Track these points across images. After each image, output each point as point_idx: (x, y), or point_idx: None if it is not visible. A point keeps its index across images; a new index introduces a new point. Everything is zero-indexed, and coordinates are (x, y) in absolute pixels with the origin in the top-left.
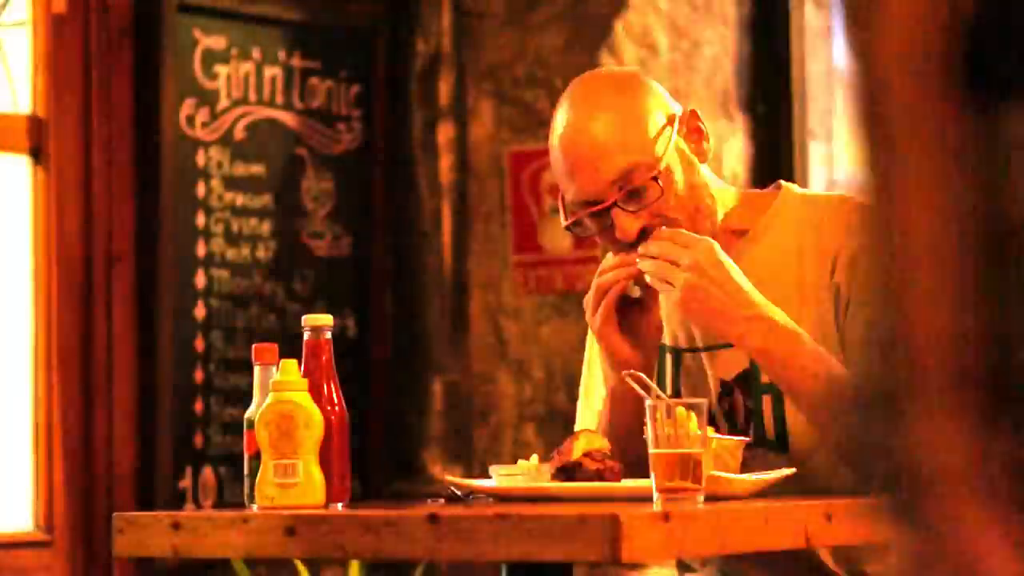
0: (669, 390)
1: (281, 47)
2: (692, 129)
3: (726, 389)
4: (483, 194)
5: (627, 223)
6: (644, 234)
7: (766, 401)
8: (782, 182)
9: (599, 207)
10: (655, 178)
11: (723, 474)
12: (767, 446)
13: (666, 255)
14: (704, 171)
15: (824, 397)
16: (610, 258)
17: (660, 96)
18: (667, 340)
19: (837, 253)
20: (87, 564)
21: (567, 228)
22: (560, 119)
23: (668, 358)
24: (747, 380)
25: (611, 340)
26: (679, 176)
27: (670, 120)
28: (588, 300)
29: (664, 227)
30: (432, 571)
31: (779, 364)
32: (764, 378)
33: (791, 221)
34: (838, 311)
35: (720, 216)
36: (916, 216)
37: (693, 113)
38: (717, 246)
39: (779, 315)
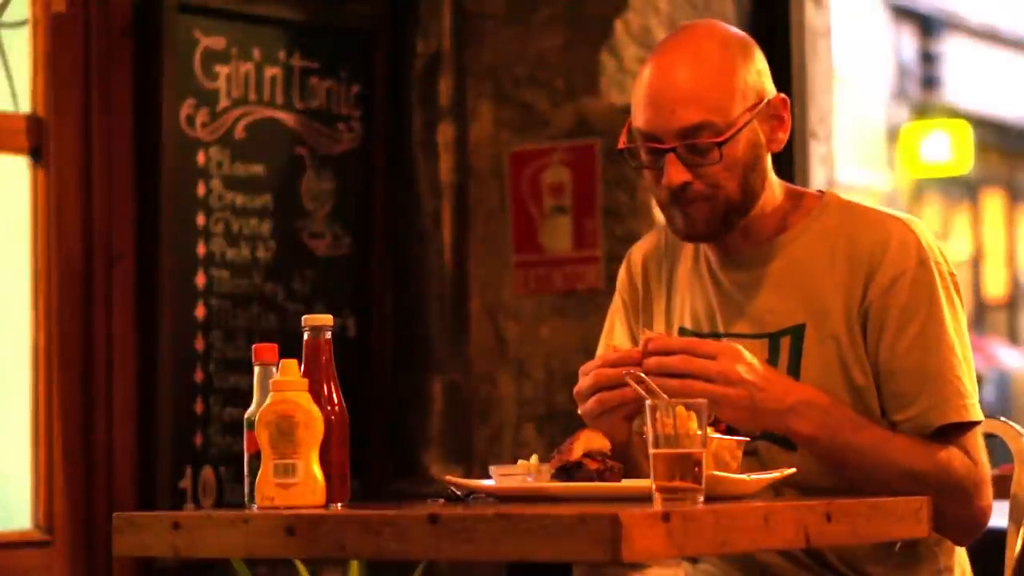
0: None
1: (281, 47)
2: (775, 115)
3: None
4: (483, 194)
5: (676, 173)
6: (685, 188)
7: None
8: (826, 189)
9: (658, 146)
10: (719, 144)
11: (723, 474)
12: (774, 440)
13: (690, 370)
14: (769, 159)
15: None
16: (610, 352)
17: (760, 71)
18: (688, 324)
19: (872, 270)
20: (87, 564)
21: (620, 151)
22: (663, 47)
23: None
24: None
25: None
26: (741, 151)
27: (759, 98)
28: (580, 391)
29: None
30: (432, 571)
31: (828, 443)
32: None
33: (830, 227)
34: (866, 331)
35: (767, 207)
36: None
37: (783, 101)
38: (740, 348)
39: (818, 395)
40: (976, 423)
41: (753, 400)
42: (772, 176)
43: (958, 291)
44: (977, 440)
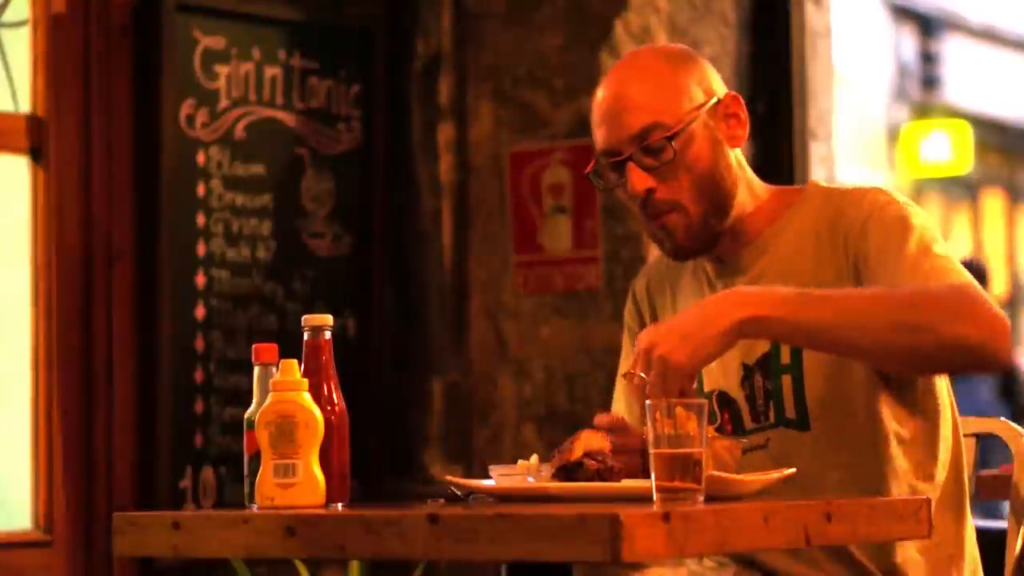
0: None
1: (281, 47)
2: (729, 113)
3: (747, 372)
4: (483, 194)
5: (638, 179)
6: (651, 195)
7: (785, 381)
8: (811, 180)
9: (617, 159)
10: (670, 139)
11: (723, 474)
12: (788, 425)
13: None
14: (734, 156)
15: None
16: (602, 418)
17: (705, 74)
18: None
19: (848, 232)
20: (87, 564)
21: (587, 176)
22: (609, 73)
23: None
24: (767, 362)
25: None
26: (698, 148)
27: (708, 96)
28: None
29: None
30: (432, 571)
31: (798, 312)
32: (784, 358)
33: (812, 214)
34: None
35: (750, 207)
36: None
37: (734, 98)
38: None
39: (757, 289)
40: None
41: (680, 339)
42: (750, 175)
43: (934, 231)
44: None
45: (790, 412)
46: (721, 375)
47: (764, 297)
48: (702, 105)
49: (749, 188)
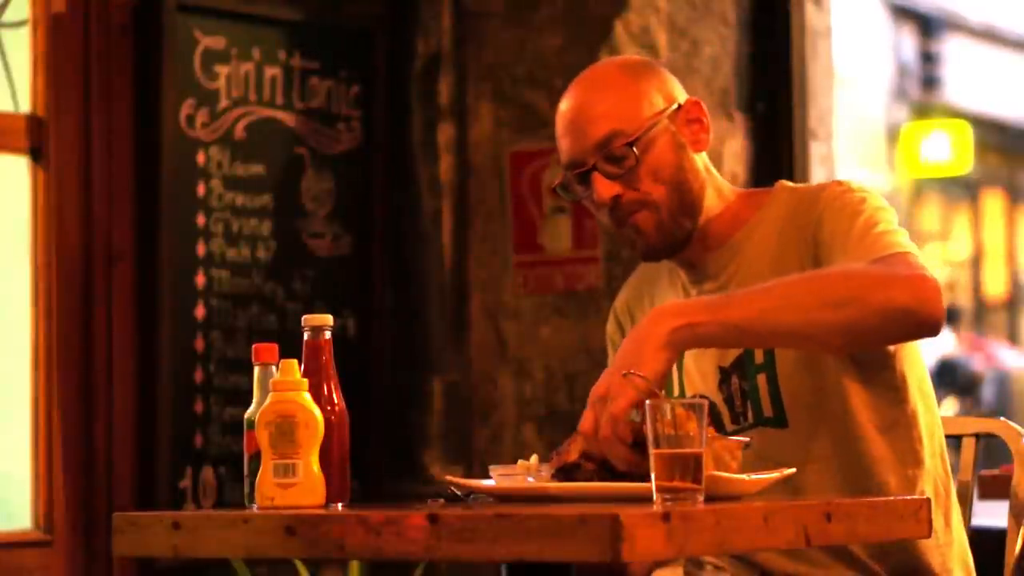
0: (676, 387)
1: (281, 47)
2: (691, 118)
3: (724, 376)
4: (483, 194)
5: (603, 187)
6: (618, 200)
7: (761, 380)
8: (780, 182)
9: (581, 170)
10: (631, 145)
11: (723, 474)
12: (766, 423)
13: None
14: (699, 160)
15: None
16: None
17: (664, 81)
18: None
19: (806, 226)
20: (87, 564)
21: (554, 190)
22: (567, 91)
23: None
24: (742, 363)
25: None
26: (661, 153)
27: (668, 102)
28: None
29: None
30: (432, 571)
31: (738, 311)
32: (758, 358)
33: (778, 217)
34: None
35: (718, 210)
36: None
37: (695, 103)
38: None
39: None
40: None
41: (624, 357)
42: (719, 180)
43: (889, 213)
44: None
45: (767, 410)
46: (700, 380)
47: (689, 306)
48: (663, 111)
49: (717, 191)
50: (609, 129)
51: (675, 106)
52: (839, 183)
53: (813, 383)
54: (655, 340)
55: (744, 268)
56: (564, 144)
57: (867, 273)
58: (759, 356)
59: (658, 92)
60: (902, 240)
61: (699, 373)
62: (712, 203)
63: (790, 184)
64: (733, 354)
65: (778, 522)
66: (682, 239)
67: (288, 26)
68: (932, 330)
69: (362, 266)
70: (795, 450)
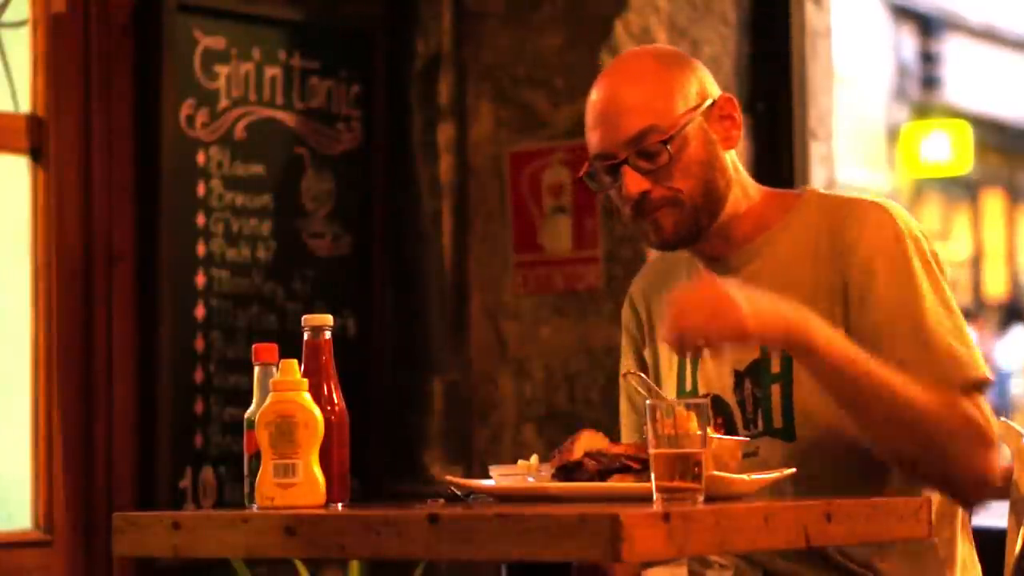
0: (688, 381)
1: (281, 47)
2: (724, 115)
3: (738, 379)
4: (483, 194)
5: (633, 183)
6: (646, 196)
7: (775, 390)
8: (809, 187)
9: (612, 162)
10: (666, 143)
11: (723, 474)
12: (774, 434)
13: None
14: (728, 158)
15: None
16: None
17: (699, 76)
18: None
19: (850, 254)
20: (87, 564)
21: (581, 179)
22: (602, 75)
23: None
24: (757, 369)
25: None
26: (693, 150)
27: (702, 98)
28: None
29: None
30: (432, 571)
31: (840, 355)
32: (774, 367)
33: (810, 223)
34: (848, 309)
35: (743, 208)
36: None
37: (728, 99)
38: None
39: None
40: (983, 382)
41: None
42: (744, 177)
43: (939, 265)
44: (985, 401)
45: (777, 421)
46: (716, 380)
47: (818, 323)
48: (697, 107)
49: (742, 190)
50: (644, 124)
51: (709, 102)
52: (883, 211)
53: (827, 403)
54: (782, 321)
55: (771, 268)
56: (595, 135)
57: (956, 435)
58: (776, 365)
59: (693, 87)
60: (964, 346)
61: (715, 371)
62: (737, 201)
63: (821, 191)
64: (748, 358)
65: (778, 522)
66: (697, 234)
67: (288, 26)
68: (969, 508)
69: (362, 266)
70: (799, 466)
